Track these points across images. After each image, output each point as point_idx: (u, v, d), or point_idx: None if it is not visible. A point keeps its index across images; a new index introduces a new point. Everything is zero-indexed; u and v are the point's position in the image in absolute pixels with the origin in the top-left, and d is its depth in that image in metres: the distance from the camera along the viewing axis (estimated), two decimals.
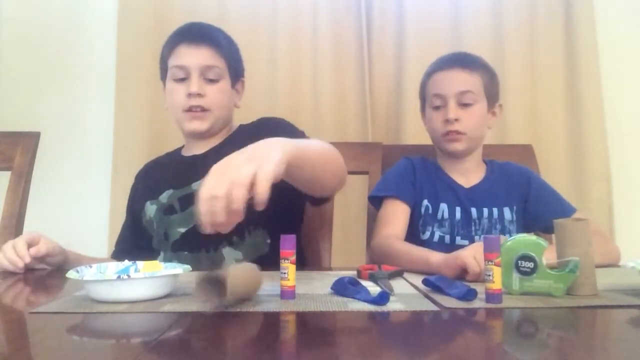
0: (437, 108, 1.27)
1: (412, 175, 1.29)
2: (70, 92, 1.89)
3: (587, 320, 0.64)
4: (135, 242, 1.24)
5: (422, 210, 1.26)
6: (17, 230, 1.27)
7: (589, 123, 1.81)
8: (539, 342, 0.54)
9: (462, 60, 1.29)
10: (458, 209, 1.24)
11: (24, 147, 1.36)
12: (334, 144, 1.63)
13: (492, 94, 1.29)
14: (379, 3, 1.86)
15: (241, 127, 1.29)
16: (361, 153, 1.49)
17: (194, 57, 1.16)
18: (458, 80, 1.25)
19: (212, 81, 1.17)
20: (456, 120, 1.23)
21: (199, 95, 1.15)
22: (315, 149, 0.90)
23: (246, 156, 0.70)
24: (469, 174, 1.30)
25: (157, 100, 1.82)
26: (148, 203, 1.19)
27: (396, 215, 1.23)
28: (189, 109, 1.16)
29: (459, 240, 1.23)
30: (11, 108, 1.87)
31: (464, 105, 1.24)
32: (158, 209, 1.17)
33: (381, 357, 0.48)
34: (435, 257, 0.96)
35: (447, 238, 1.24)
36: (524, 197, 1.27)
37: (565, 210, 1.24)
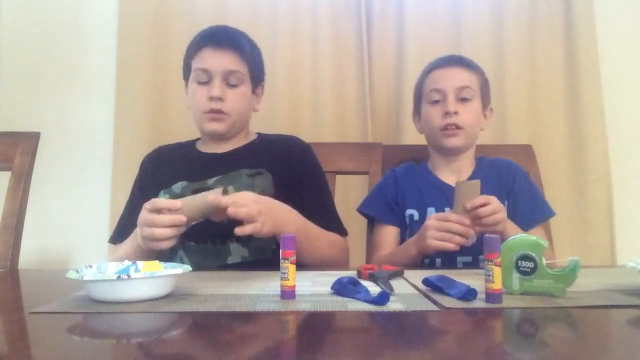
0: (435, 102, 1.29)
1: (394, 192, 1.33)
2: (70, 92, 1.89)
3: (587, 320, 0.64)
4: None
5: (407, 220, 1.29)
6: (17, 230, 1.27)
7: (589, 123, 1.81)
8: (539, 342, 0.54)
9: (460, 60, 1.33)
10: (447, 209, 1.24)
11: (24, 147, 1.36)
12: (334, 144, 1.64)
13: (485, 96, 1.32)
14: (379, 3, 1.86)
15: (261, 136, 1.33)
16: (361, 153, 1.49)
17: (217, 61, 1.19)
18: (457, 76, 1.28)
19: (233, 86, 1.21)
20: (455, 113, 1.25)
21: (220, 99, 1.19)
22: (310, 238, 1.06)
23: (267, 215, 0.93)
24: (460, 173, 1.32)
25: (157, 100, 1.83)
26: (162, 192, 1.20)
27: (386, 239, 1.29)
28: (209, 111, 1.20)
29: None
30: (11, 108, 1.87)
31: (463, 100, 1.27)
32: (170, 198, 1.17)
33: (381, 357, 0.48)
34: (410, 240, 1.14)
35: None
36: (508, 194, 1.28)
37: (536, 213, 1.26)
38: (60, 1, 1.91)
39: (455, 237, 1.03)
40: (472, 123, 1.27)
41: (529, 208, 1.26)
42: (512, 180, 1.29)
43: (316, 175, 1.27)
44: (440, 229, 1.04)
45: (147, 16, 1.84)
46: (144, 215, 0.91)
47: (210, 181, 1.17)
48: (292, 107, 1.82)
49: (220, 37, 1.21)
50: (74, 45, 1.90)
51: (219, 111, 1.19)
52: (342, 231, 1.22)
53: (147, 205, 0.92)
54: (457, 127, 1.25)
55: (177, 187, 1.19)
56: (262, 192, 1.16)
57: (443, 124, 1.26)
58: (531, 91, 1.85)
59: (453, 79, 1.28)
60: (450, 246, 1.03)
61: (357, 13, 1.85)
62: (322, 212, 1.22)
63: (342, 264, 1.16)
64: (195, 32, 1.26)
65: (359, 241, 1.43)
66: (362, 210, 1.36)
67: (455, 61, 1.31)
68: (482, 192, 1.29)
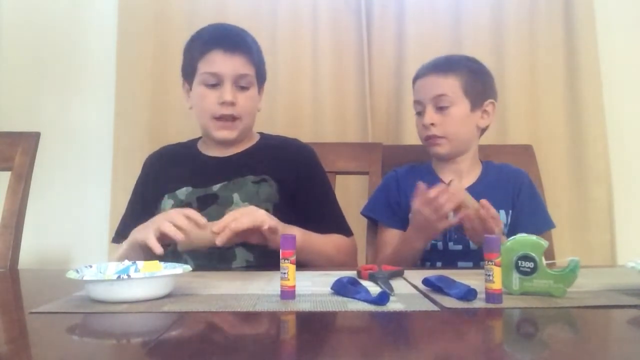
0: (418, 114, 1.30)
1: (396, 194, 1.32)
2: (70, 92, 1.89)
3: (587, 320, 0.64)
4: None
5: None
6: (17, 230, 1.27)
7: (589, 123, 1.81)
8: (539, 342, 0.54)
9: (436, 65, 1.29)
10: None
11: (24, 148, 1.35)
12: (334, 144, 1.64)
13: (475, 94, 1.26)
14: (379, 3, 1.86)
15: (264, 137, 1.31)
16: (361, 153, 1.49)
17: (229, 65, 1.16)
18: (432, 85, 1.26)
19: (243, 88, 1.18)
20: (432, 124, 1.24)
21: (232, 103, 1.16)
22: (314, 250, 1.09)
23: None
24: (462, 176, 1.29)
25: (157, 100, 1.83)
26: (166, 197, 1.19)
27: (390, 241, 1.27)
28: (220, 117, 1.18)
29: (451, 245, 1.23)
30: (11, 108, 1.87)
31: (441, 109, 1.25)
32: (175, 204, 1.17)
33: (381, 357, 0.48)
34: (409, 234, 1.16)
35: (440, 245, 1.24)
36: (513, 203, 1.27)
37: (538, 226, 1.24)
38: (60, 1, 1.91)
39: (445, 207, 1.07)
40: (454, 130, 1.25)
41: (531, 220, 1.24)
42: (518, 190, 1.27)
43: (321, 180, 1.27)
44: (431, 205, 1.08)
45: (147, 16, 1.84)
46: (172, 214, 0.92)
47: (215, 187, 1.17)
48: (292, 107, 1.82)
49: (230, 40, 1.19)
50: (74, 46, 1.90)
51: (230, 117, 1.17)
52: (347, 232, 1.22)
53: (179, 210, 0.93)
54: (437, 137, 1.25)
55: (182, 193, 1.18)
56: (267, 200, 1.16)
57: (424, 136, 1.28)
58: (531, 91, 1.85)
59: (428, 89, 1.26)
60: (451, 222, 1.08)
61: (357, 13, 1.85)
62: (328, 216, 1.22)
63: (351, 265, 1.16)
64: (195, 32, 1.25)
65: (359, 241, 1.43)
66: (365, 213, 1.36)
67: (432, 68, 1.28)
68: (487, 198, 1.29)
